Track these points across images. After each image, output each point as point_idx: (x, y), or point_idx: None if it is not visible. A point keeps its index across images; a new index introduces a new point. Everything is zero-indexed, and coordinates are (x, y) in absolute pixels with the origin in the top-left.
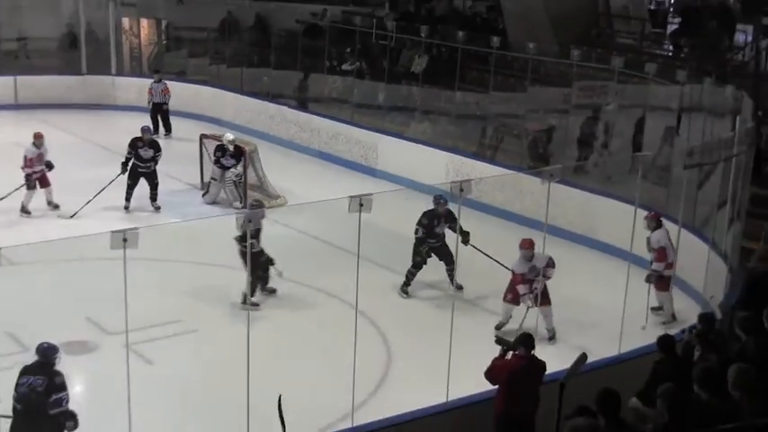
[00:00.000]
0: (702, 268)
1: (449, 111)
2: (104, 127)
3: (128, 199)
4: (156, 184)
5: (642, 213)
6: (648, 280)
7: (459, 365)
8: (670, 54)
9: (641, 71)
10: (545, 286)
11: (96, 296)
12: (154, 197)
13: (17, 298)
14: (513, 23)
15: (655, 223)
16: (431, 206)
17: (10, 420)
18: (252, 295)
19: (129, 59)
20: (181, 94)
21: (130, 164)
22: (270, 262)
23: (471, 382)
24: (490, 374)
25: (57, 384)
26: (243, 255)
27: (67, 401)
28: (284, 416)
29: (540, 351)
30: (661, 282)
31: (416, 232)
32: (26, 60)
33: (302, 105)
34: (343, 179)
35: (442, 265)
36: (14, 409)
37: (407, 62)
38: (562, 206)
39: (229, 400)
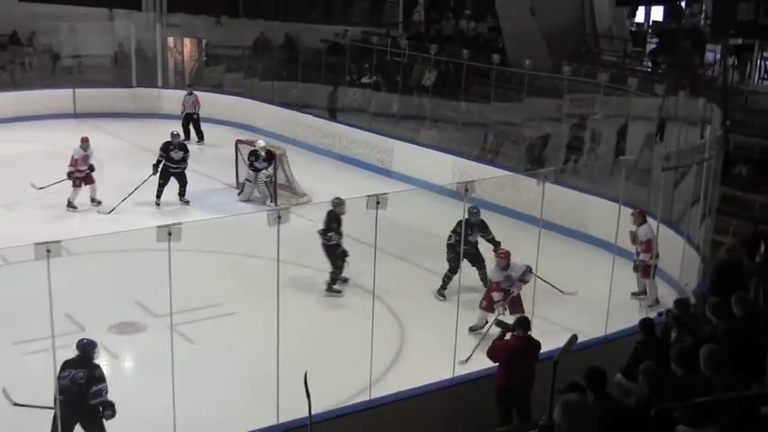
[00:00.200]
0: (678, 259)
1: (455, 119)
2: (150, 133)
3: (158, 196)
4: (186, 183)
5: (625, 210)
6: (636, 269)
7: (464, 346)
8: (649, 70)
9: (624, 85)
10: (519, 296)
11: (144, 283)
12: (182, 193)
13: (75, 284)
14: (511, 43)
15: (641, 219)
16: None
17: (52, 411)
18: (334, 284)
19: (173, 74)
20: (219, 104)
21: (161, 165)
22: (345, 254)
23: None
24: (492, 353)
25: (96, 376)
26: (324, 247)
27: (107, 392)
28: (309, 389)
29: (536, 333)
30: (646, 270)
31: (449, 239)
32: (79, 75)
33: (332, 114)
34: (362, 180)
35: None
36: (56, 400)
37: (418, 76)
38: (555, 204)
39: (261, 374)
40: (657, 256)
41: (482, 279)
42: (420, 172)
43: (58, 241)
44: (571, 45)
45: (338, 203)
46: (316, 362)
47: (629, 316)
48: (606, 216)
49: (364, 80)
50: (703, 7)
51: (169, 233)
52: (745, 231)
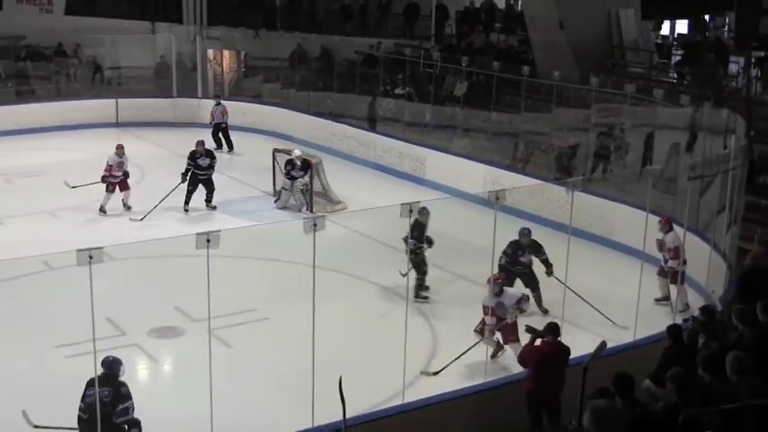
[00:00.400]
0: (705, 266)
1: (486, 129)
2: (190, 142)
3: (187, 202)
4: (213, 189)
5: (652, 218)
6: (661, 274)
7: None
8: (674, 81)
9: (650, 96)
10: (514, 324)
11: (182, 288)
12: (209, 199)
13: (116, 289)
14: (540, 55)
15: (668, 227)
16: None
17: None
18: (421, 290)
19: (212, 84)
20: (257, 114)
21: (190, 173)
22: (424, 263)
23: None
24: (522, 358)
25: (122, 394)
26: (409, 254)
27: (133, 410)
28: (344, 394)
29: (567, 339)
30: (675, 276)
31: (500, 260)
32: (119, 86)
33: (372, 124)
34: (395, 188)
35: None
36: (80, 419)
37: (450, 87)
38: (584, 212)
39: (296, 378)
40: (685, 262)
41: (536, 301)
42: (452, 180)
43: (101, 247)
44: (598, 57)
45: (423, 213)
46: (350, 366)
47: (657, 322)
48: (633, 224)
49: (398, 91)
50: (727, 21)
51: (208, 240)
52: None
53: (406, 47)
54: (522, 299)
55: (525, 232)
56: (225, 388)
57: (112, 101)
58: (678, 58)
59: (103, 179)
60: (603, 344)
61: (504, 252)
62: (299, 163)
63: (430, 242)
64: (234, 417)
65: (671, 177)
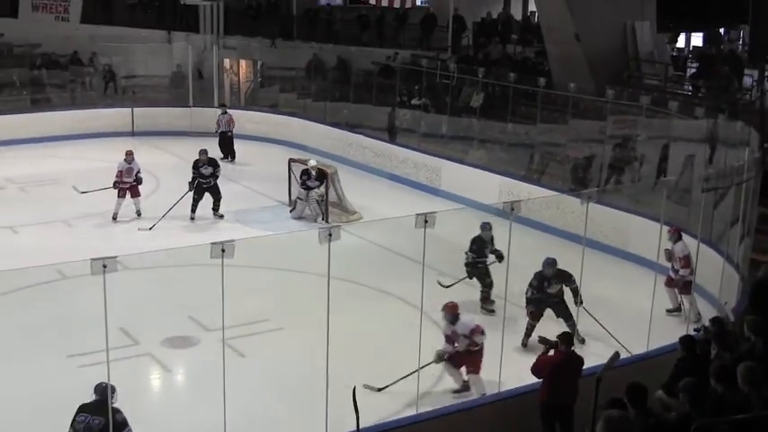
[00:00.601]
0: (718, 277)
1: (502, 140)
2: (215, 152)
3: (193, 210)
4: (219, 198)
5: (667, 230)
6: (669, 285)
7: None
8: (689, 93)
9: (665, 108)
10: (470, 355)
11: (196, 298)
12: (216, 208)
13: (130, 298)
14: (556, 66)
15: (676, 236)
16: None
17: None
18: (487, 302)
19: (229, 94)
20: (273, 124)
21: (196, 182)
22: (487, 275)
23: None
24: (536, 368)
25: (118, 422)
26: (470, 266)
27: None
28: (357, 404)
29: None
30: (686, 286)
31: (527, 293)
32: (133, 95)
33: (392, 134)
34: (411, 198)
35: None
36: None
37: (467, 98)
38: (598, 223)
39: (309, 388)
40: (694, 272)
41: (571, 330)
42: (467, 191)
43: (115, 256)
44: (614, 69)
45: (484, 227)
46: (363, 376)
47: (669, 333)
48: (648, 235)
49: (414, 101)
50: (741, 34)
51: (222, 250)
52: None
53: (422, 57)
54: (476, 330)
55: (549, 262)
56: (238, 398)
57: (128, 110)
58: (693, 70)
59: (114, 185)
60: (617, 354)
61: (530, 285)
62: (314, 173)
63: (500, 256)
64: (247, 426)
65: (685, 189)
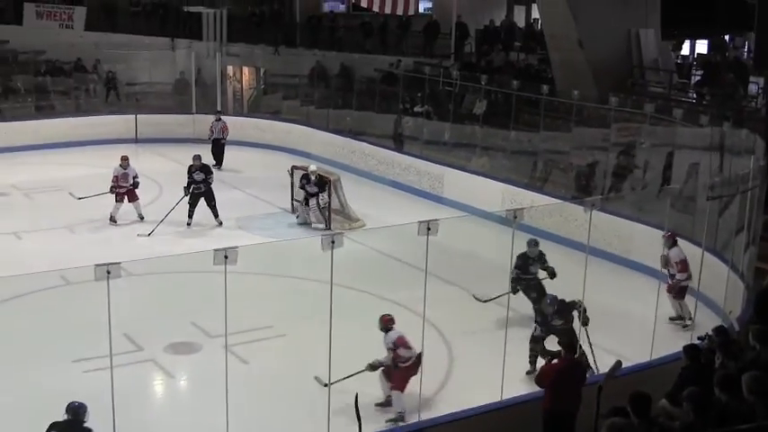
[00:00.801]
0: (723, 286)
1: (505, 147)
2: (208, 158)
3: (190, 216)
4: (213, 204)
5: (661, 235)
6: (670, 291)
7: (512, 370)
8: (694, 101)
9: (669, 115)
10: (402, 371)
11: (199, 304)
12: (215, 215)
13: (133, 304)
14: (559, 74)
15: (671, 241)
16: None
17: None
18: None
19: (232, 101)
20: (276, 131)
21: (191, 188)
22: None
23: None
24: (539, 378)
25: None
26: (513, 281)
27: None
28: (360, 411)
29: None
30: (682, 291)
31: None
32: (137, 102)
33: (398, 142)
34: (414, 206)
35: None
36: None
37: (469, 105)
38: (602, 231)
39: (312, 394)
40: (691, 276)
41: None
42: (470, 199)
43: (118, 262)
44: (618, 76)
45: (529, 244)
46: (365, 384)
47: (672, 342)
48: (651, 243)
49: (417, 109)
50: (746, 41)
51: (225, 256)
52: None
53: (425, 65)
54: (399, 343)
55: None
56: (241, 404)
57: (132, 117)
58: (698, 77)
59: (111, 190)
60: (619, 363)
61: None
62: (313, 177)
63: (551, 273)
64: None
65: (690, 197)
